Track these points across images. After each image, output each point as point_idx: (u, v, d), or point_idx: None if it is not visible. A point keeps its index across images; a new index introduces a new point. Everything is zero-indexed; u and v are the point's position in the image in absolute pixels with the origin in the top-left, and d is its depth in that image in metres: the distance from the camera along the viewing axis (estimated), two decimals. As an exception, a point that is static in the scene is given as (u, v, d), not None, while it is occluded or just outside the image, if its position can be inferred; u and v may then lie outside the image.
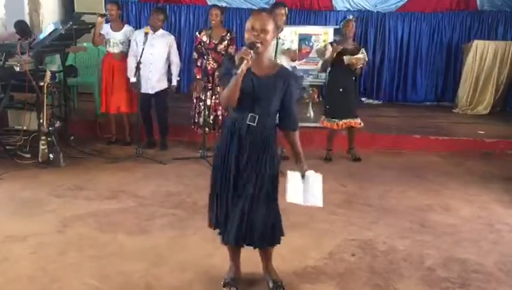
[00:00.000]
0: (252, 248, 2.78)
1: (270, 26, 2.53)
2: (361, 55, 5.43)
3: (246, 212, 2.63)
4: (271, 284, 2.88)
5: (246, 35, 2.54)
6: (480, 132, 6.74)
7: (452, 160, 5.99)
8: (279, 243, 2.80)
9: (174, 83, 5.87)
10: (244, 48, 2.47)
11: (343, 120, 5.58)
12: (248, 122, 2.59)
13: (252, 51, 2.45)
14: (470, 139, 6.46)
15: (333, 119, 5.61)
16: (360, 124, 5.64)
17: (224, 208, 2.70)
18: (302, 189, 2.67)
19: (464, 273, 3.20)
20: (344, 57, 5.42)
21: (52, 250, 3.30)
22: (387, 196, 4.67)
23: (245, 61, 2.41)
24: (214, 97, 5.56)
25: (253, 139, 2.61)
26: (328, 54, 5.51)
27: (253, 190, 2.63)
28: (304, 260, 3.29)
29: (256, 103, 2.57)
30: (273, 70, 2.63)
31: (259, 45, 2.48)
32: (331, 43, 5.72)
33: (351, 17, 5.61)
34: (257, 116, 2.58)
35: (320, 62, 5.83)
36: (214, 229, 2.82)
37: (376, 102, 9.10)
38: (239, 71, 2.41)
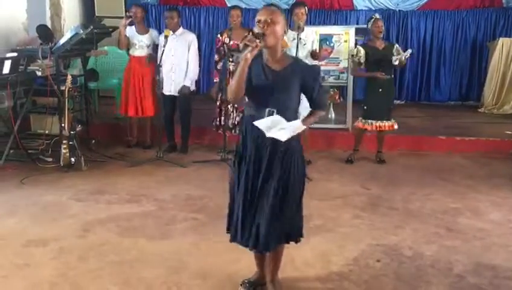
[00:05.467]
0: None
1: (278, 18, 2.47)
2: (405, 52, 5.36)
3: (271, 215, 2.54)
4: None
5: (255, 30, 2.47)
6: (508, 132, 6.55)
7: (479, 161, 5.82)
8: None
9: (187, 83, 5.67)
10: (248, 36, 2.39)
11: (379, 122, 5.46)
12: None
13: (258, 41, 2.37)
14: (496, 139, 6.28)
15: (368, 120, 5.49)
16: (391, 126, 5.50)
17: (246, 212, 2.60)
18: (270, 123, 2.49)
19: (495, 280, 3.08)
20: (393, 58, 5.34)
21: (73, 255, 3.29)
22: (412, 199, 4.55)
23: (249, 48, 2.34)
24: None
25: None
26: (358, 59, 5.42)
27: (277, 191, 2.54)
28: (328, 266, 3.21)
29: (273, 97, 2.49)
30: (287, 63, 2.57)
31: (263, 35, 2.40)
32: (361, 45, 5.60)
33: (376, 15, 5.48)
34: (275, 111, 2.49)
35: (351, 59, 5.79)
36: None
37: (398, 102, 8.92)
38: (242, 58, 2.34)
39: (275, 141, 2.49)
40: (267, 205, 2.55)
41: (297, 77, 2.54)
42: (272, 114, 2.49)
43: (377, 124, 5.46)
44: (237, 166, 2.64)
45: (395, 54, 5.36)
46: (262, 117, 2.50)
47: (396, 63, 5.34)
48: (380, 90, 5.42)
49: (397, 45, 5.52)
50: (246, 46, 2.36)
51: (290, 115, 2.53)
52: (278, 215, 2.57)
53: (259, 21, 2.47)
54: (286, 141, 2.46)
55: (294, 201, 2.64)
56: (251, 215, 2.59)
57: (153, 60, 5.82)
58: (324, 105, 2.70)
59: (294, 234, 2.73)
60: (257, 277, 2.90)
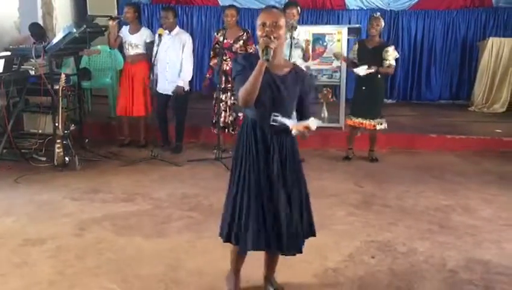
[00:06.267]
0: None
1: (282, 22, 2.45)
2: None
3: (284, 216, 2.54)
4: None
5: (258, 33, 2.44)
6: (498, 131, 6.64)
7: (469, 159, 5.91)
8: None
9: (180, 84, 5.65)
10: (262, 39, 2.36)
11: (359, 119, 5.52)
12: (272, 123, 2.48)
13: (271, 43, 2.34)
14: (487, 138, 6.37)
15: (352, 117, 5.57)
16: (374, 126, 5.53)
17: (255, 213, 2.52)
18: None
19: (487, 275, 3.14)
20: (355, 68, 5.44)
21: (70, 254, 3.30)
22: (405, 196, 4.61)
23: (270, 50, 2.28)
24: (233, 98, 5.54)
25: (278, 141, 2.52)
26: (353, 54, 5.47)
27: (289, 194, 2.56)
28: (324, 262, 3.25)
29: (278, 101, 2.48)
30: (289, 68, 2.56)
31: (274, 39, 2.36)
32: (357, 41, 5.67)
33: (377, 14, 5.53)
34: (279, 116, 2.47)
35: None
36: (228, 241, 2.64)
37: (390, 101, 9.01)
38: (264, 59, 2.27)
39: (281, 140, 2.53)
40: (293, 203, 2.56)
41: (298, 83, 2.54)
42: (276, 119, 2.48)
43: (359, 121, 5.53)
44: (242, 171, 2.55)
45: (384, 55, 5.41)
46: (267, 122, 2.48)
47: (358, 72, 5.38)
48: (364, 88, 5.49)
49: (390, 48, 5.45)
50: (267, 48, 2.29)
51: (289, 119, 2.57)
52: (302, 211, 2.62)
53: (263, 24, 2.42)
54: (290, 144, 2.55)
55: (306, 195, 2.68)
56: (272, 218, 2.53)
57: (145, 58, 5.85)
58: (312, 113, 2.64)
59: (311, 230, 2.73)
60: (237, 283, 2.86)
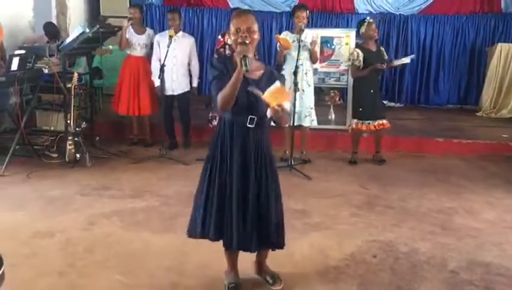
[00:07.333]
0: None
1: (256, 27, 2.53)
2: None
3: (257, 215, 2.65)
4: (270, 280, 2.96)
5: (232, 37, 2.53)
6: (504, 136, 6.66)
7: (475, 163, 5.93)
8: (282, 248, 2.82)
9: (195, 84, 5.99)
10: (240, 47, 2.44)
11: (377, 121, 5.58)
12: (248, 125, 2.58)
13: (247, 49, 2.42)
14: (493, 142, 6.38)
15: (367, 121, 5.59)
16: (388, 124, 5.65)
17: (228, 212, 2.67)
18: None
19: (487, 276, 3.19)
20: (396, 62, 5.72)
21: (79, 247, 3.40)
22: (409, 198, 4.65)
23: (248, 59, 2.35)
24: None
25: (254, 141, 2.62)
26: (358, 62, 5.51)
27: (259, 192, 2.64)
28: (326, 261, 3.31)
29: (254, 105, 2.55)
30: (262, 70, 2.65)
31: (248, 44, 2.45)
32: (358, 47, 5.66)
33: (370, 19, 5.61)
34: (255, 118, 2.58)
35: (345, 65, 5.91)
36: (198, 237, 2.82)
37: (398, 105, 9.04)
38: (244, 69, 2.34)
39: (259, 145, 2.62)
40: (266, 206, 2.66)
41: (270, 82, 2.59)
42: (253, 122, 2.58)
43: (375, 124, 5.58)
44: (215, 168, 2.66)
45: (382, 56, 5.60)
46: (244, 123, 2.58)
47: (397, 63, 5.67)
48: (372, 91, 5.56)
49: (382, 48, 5.72)
50: (245, 57, 2.35)
51: (265, 120, 2.64)
52: (274, 215, 2.70)
53: (238, 30, 2.50)
54: (266, 143, 2.66)
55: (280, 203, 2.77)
56: (243, 218, 2.66)
57: (147, 57, 6.00)
58: None
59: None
60: (235, 276, 2.97)
